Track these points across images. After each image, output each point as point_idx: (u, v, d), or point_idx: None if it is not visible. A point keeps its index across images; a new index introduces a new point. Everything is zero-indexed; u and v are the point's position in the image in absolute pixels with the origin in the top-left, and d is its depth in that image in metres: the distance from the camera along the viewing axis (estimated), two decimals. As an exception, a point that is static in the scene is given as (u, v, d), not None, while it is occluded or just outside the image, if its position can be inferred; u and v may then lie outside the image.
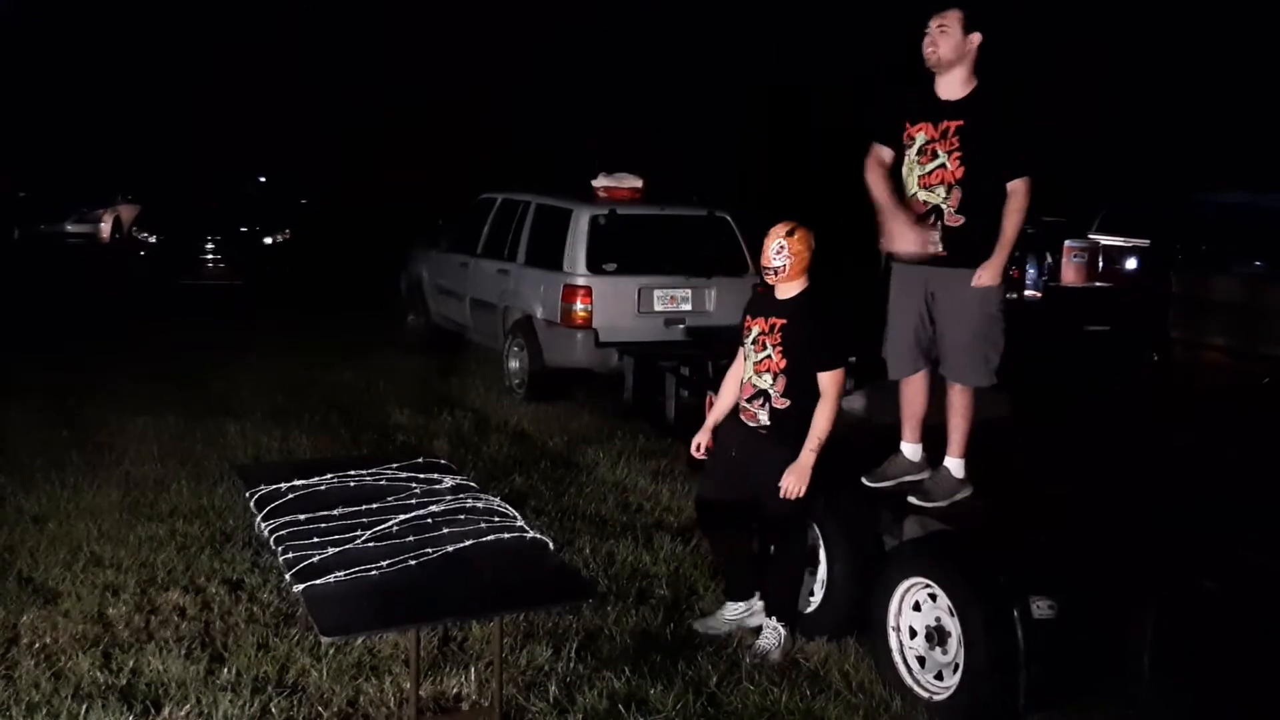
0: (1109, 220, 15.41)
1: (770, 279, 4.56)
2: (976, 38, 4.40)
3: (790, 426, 4.50)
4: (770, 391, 4.53)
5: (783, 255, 4.48)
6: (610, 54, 25.94)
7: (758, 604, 4.84)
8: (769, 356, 4.54)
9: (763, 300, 4.67)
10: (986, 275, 4.44)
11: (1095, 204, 16.05)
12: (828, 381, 4.46)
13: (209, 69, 29.67)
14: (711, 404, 5.17)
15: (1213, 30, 20.31)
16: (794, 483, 4.45)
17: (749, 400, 4.61)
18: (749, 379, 4.61)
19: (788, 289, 4.55)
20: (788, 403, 4.51)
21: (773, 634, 4.64)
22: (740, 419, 4.68)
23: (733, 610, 4.88)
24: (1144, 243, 14.45)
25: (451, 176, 25.99)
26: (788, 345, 4.50)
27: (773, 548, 4.76)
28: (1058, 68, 21.15)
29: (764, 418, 4.57)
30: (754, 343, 4.59)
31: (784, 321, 4.52)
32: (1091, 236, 15.10)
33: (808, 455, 4.44)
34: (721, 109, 24.66)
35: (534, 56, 27.66)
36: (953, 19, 4.39)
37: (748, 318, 4.68)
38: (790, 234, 4.49)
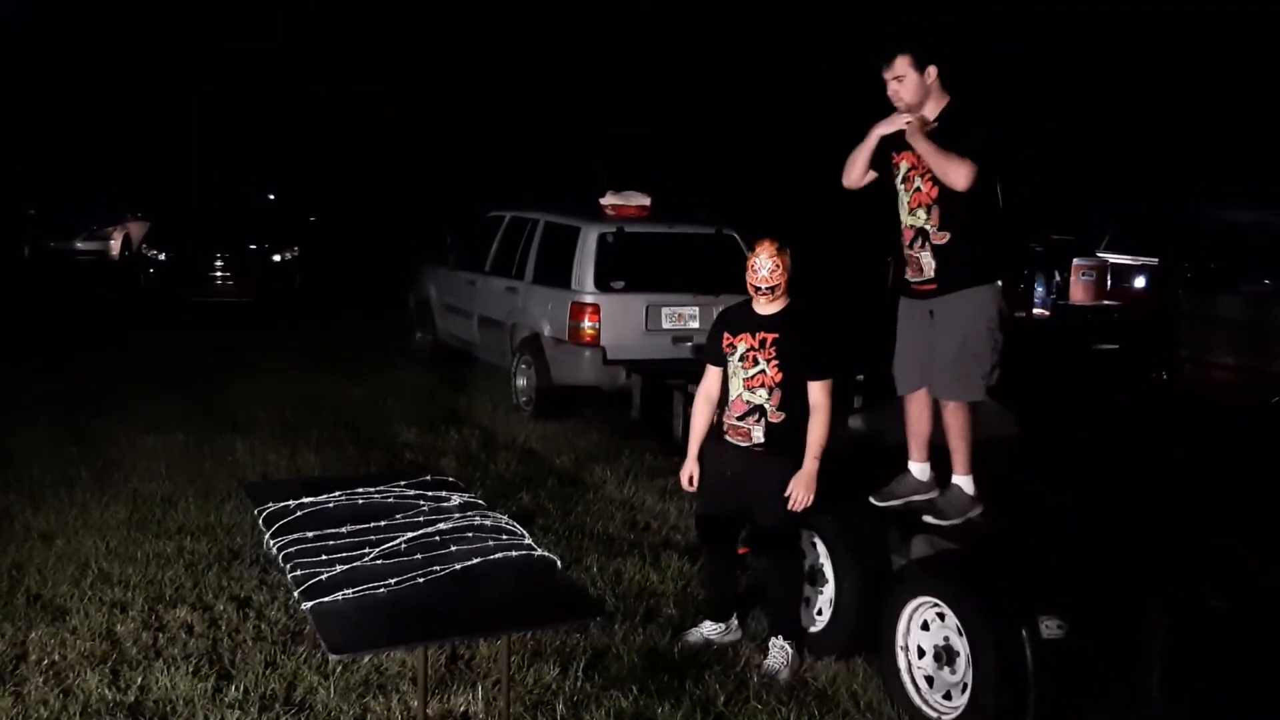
0: (1117, 238, 15.39)
1: (765, 298, 4.57)
2: (933, 70, 4.44)
3: (785, 439, 4.55)
4: (766, 406, 4.56)
5: (777, 274, 4.53)
6: (611, 54, 26.00)
7: (735, 624, 4.92)
8: (763, 371, 4.55)
9: (742, 316, 4.66)
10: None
11: (1103, 222, 16.04)
12: (821, 391, 4.52)
13: (212, 75, 29.74)
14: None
15: (1222, 38, 20.31)
16: (802, 492, 4.51)
17: (741, 418, 4.59)
18: (739, 396, 4.59)
19: (774, 304, 4.59)
20: (783, 415, 4.55)
21: (780, 653, 4.63)
22: (727, 439, 4.66)
23: (711, 629, 4.89)
24: (1153, 261, 14.42)
25: (453, 178, 26.12)
26: (783, 358, 4.53)
27: (769, 566, 4.77)
28: (1065, 78, 21.21)
29: (758, 434, 4.57)
30: (742, 359, 4.58)
31: (775, 335, 4.55)
32: (1100, 255, 15.08)
33: (811, 464, 4.51)
34: (721, 110, 24.70)
35: (535, 56, 27.69)
36: (903, 66, 4.44)
37: (727, 335, 4.65)
38: (781, 250, 4.54)
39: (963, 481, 4.63)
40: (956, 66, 4.48)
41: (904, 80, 4.43)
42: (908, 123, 4.45)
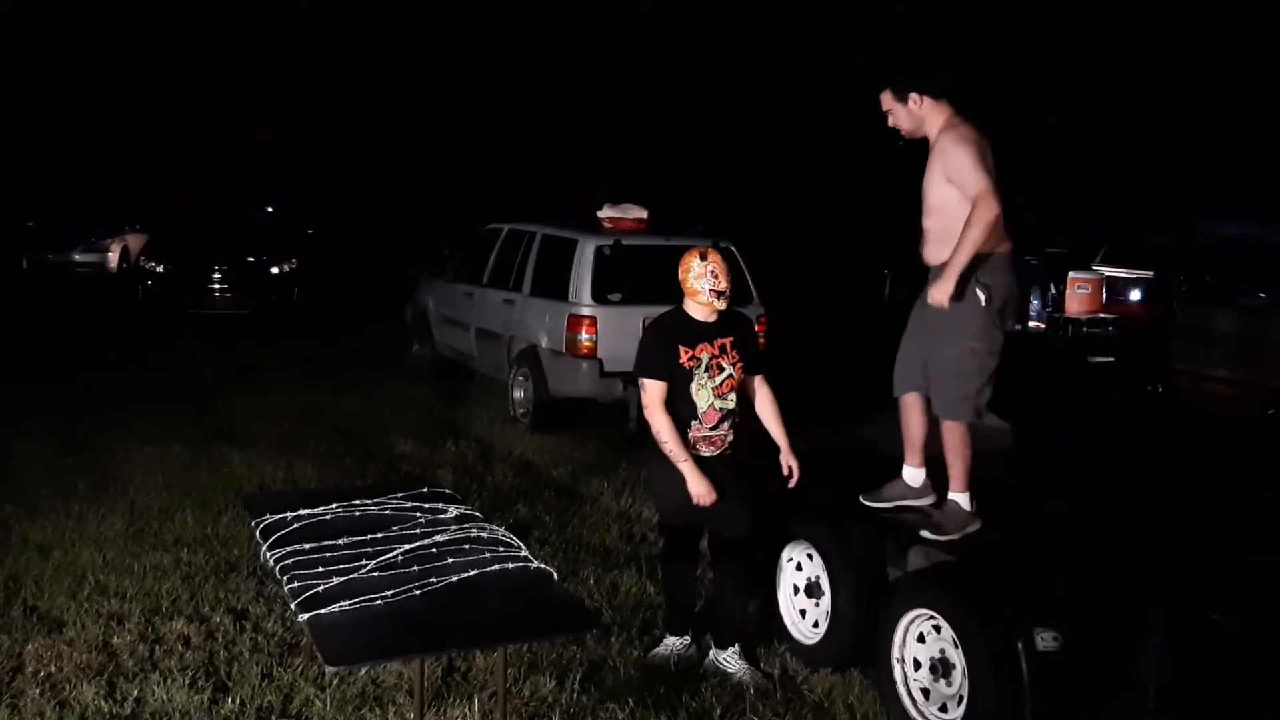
0: (1113, 251, 15.46)
1: (724, 302, 4.55)
2: (916, 98, 4.53)
3: (740, 435, 4.64)
4: (734, 409, 4.60)
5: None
6: (611, 54, 26.06)
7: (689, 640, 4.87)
8: (730, 376, 4.56)
9: (687, 327, 4.56)
10: (934, 292, 4.48)
11: (1100, 235, 16.11)
12: (766, 381, 4.71)
13: (209, 84, 29.69)
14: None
15: (1222, 53, 20.40)
16: (797, 468, 4.66)
17: (715, 427, 4.54)
18: (711, 405, 4.53)
19: (716, 310, 4.57)
20: (738, 413, 4.64)
21: (735, 661, 4.66)
22: (699, 451, 4.55)
23: (680, 644, 4.82)
24: (1148, 274, 14.48)
25: (451, 186, 26.15)
26: (744, 359, 4.61)
27: (736, 571, 4.73)
28: (1068, 87, 21.29)
29: (730, 437, 4.60)
30: (708, 369, 4.52)
31: (732, 338, 4.58)
32: (1095, 268, 15.13)
33: (786, 442, 4.69)
34: (723, 114, 24.74)
35: (536, 58, 27.71)
36: (887, 102, 4.59)
37: (684, 349, 4.50)
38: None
39: (959, 498, 4.64)
40: (946, 81, 4.55)
41: (894, 113, 4.60)
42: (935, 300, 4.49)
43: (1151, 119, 21.29)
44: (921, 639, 4.22)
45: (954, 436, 4.61)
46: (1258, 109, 19.69)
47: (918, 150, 4.70)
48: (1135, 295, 14.58)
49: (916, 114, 4.55)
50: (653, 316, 8.24)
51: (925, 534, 4.57)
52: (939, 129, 4.55)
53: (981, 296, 4.48)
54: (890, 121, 4.64)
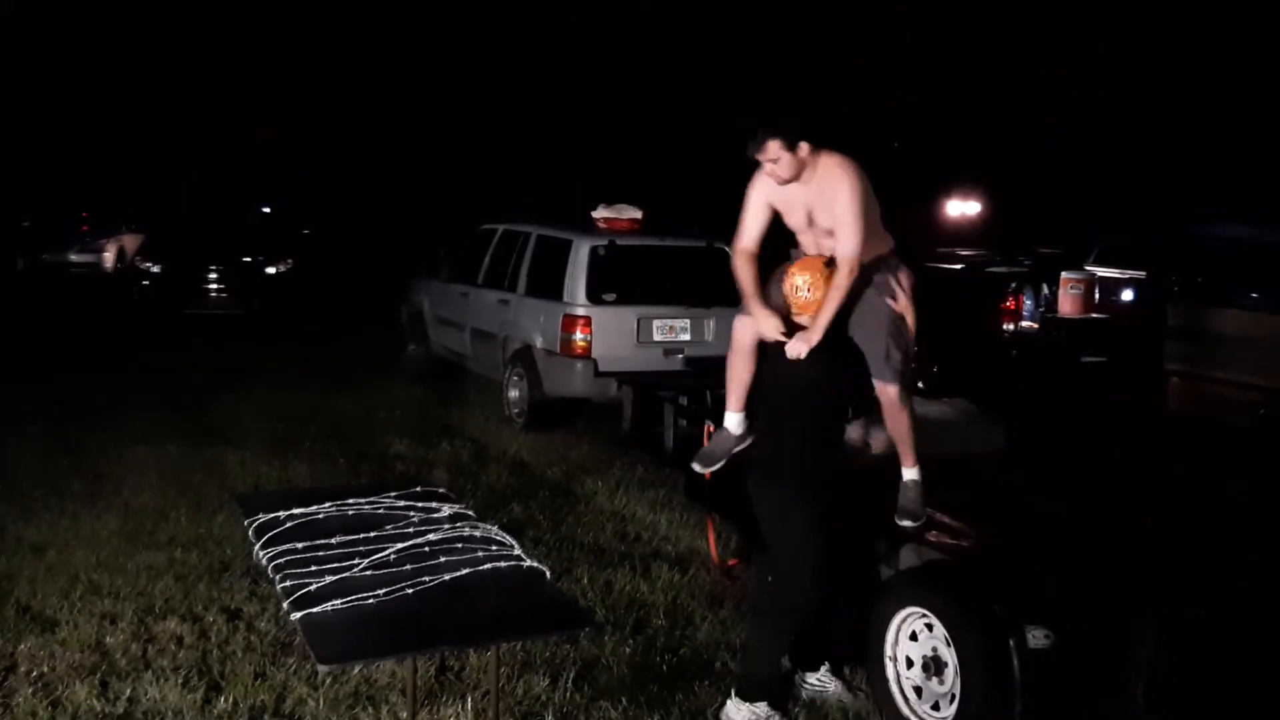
0: (1105, 252, 15.46)
1: None
2: (805, 147, 4.42)
3: None
4: None
5: None
6: (610, 53, 26.03)
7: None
8: None
9: None
10: (798, 343, 4.24)
11: (1092, 235, 16.12)
12: None
13: (206, 84, 29.65)
14: (710, 433, 5.22)
15: (1221, 54, 20.42)
16: None
17: None
18: None
19: None
20: None
21: (830, 681, 4.54)
22: None
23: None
24: (1140, 274, 14.48)
25: (448, 188, 26.13)
26: None
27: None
28: (1060, 94, 21.30)
29: None
30: None
31: None
32: (1088, 268, 15.13)
33: None
34: (720, 109, 24.72)
35: (534, 55, 27.68)
36: (774, 150, 4.41)
37: None
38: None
39: (913, 474, 4.66)
40: (822, 128, 4.51)
41: (779, 162, 4.44)
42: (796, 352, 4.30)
43: (1150, 120, 21.30)
44: (914, 637, 4.23)
45: (889, 405, 4.60)
46: (1256, 110, 19.71)
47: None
48: (1128, 295, 14.58)
49: (800, 160, 4.44)
50: (647, 316, 8.14)
51: (902, 523, 4.58)
52: (823, 170, 4.48)
53: (898, 281, 4.67)
54: (768, 170, 4.50)
